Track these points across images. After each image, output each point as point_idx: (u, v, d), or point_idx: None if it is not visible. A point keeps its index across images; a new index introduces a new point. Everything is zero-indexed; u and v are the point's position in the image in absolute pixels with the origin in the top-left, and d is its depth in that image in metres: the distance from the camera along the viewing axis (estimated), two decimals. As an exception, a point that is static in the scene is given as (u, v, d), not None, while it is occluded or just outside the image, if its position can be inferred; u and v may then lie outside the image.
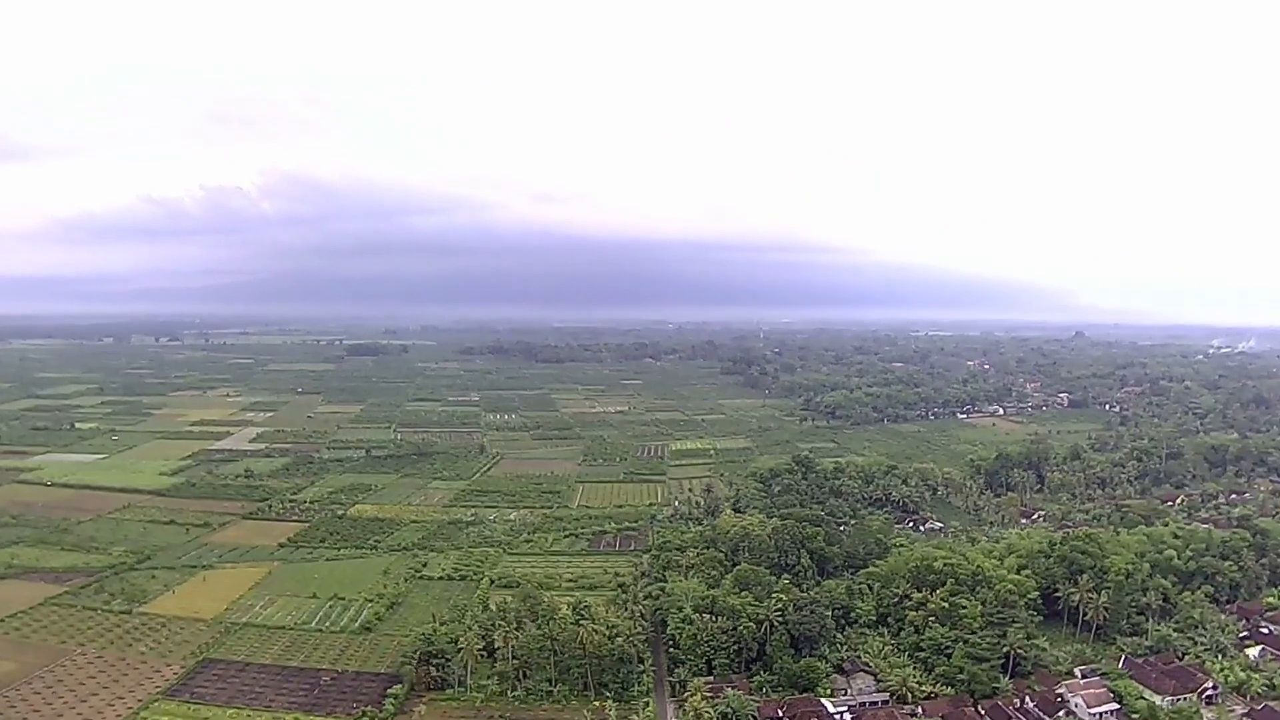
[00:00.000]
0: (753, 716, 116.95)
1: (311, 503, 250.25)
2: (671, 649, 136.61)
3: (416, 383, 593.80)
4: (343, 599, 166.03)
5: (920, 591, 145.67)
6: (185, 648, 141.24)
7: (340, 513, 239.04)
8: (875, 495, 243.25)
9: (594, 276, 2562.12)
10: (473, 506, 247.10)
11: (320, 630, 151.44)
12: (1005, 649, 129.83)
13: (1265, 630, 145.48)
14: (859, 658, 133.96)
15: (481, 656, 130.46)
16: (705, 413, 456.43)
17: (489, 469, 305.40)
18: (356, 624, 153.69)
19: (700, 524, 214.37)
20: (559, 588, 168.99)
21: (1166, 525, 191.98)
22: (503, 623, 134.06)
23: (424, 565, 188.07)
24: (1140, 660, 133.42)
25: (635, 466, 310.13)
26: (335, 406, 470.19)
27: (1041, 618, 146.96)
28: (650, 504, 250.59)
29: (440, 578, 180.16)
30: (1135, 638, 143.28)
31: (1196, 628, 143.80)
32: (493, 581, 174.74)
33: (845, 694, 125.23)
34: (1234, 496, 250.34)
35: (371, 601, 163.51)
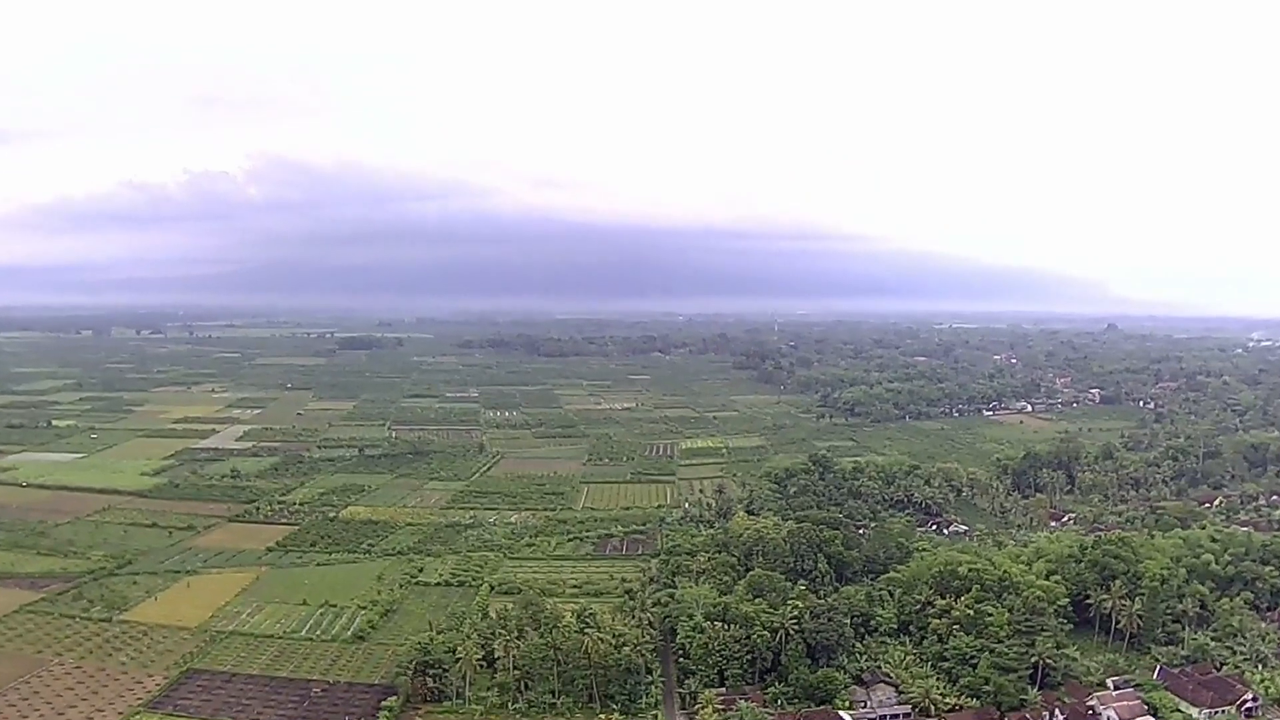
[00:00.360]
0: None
1: (301, 504, 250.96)
2: (681, 659, 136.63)
3: (412, 378, 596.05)
4: (334, 606, 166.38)
5: (944, 598, 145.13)
6: (168, 657, 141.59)
7: (332, 515, 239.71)
8: (896, 496, 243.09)
9: (599, 266, 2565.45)
10: (471, 508, 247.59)
11: (311, 639, 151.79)
12: (1033, 659, 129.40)
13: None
14: (879, 668, 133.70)
15: (481, 667, 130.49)
16: (717, 409, 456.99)
17: (488, 469, 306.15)
18: (349, 632, 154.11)
19: (711, 527, 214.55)
20: (562, 594, 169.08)
21: (1204, 528, 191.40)
22: (503, 631, 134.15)
23: (420, 570, 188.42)
24: (1176, 670, 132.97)
25: (643, 466, 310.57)
26: (326, 403, 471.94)
27: (1072, 626, 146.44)
28: (659, 506, 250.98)
29: (437, 583, 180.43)
30: (1170, 647, 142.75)
31: (1235, 636, 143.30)
32: (492, 588, 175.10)
33: (865, 706, 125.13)
34: (1275, 498, 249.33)
35: (365, 609, 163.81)
